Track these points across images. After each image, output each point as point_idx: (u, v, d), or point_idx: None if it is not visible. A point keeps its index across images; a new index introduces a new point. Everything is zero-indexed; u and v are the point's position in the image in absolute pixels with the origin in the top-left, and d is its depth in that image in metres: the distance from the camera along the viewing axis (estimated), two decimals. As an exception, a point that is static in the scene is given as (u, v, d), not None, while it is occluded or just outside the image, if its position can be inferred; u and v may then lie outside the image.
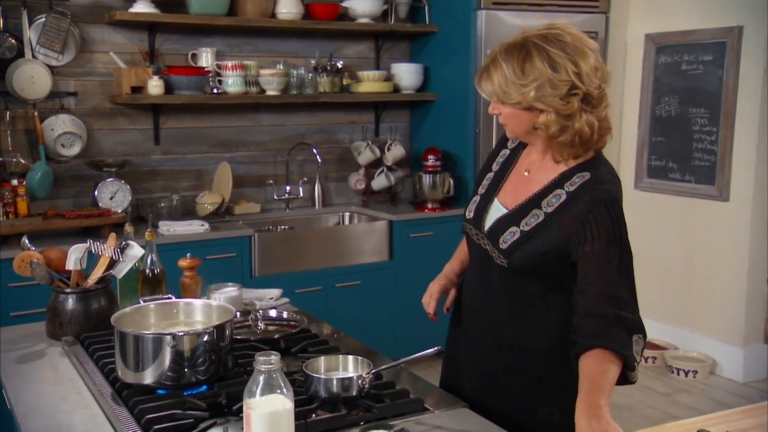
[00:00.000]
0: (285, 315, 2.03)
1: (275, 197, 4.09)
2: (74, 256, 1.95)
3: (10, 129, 3.37)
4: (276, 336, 1.87)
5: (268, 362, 1.22)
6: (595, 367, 1.35)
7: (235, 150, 4.00)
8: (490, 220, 1.61)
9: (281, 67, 3.87)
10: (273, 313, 2.04)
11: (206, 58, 3.74)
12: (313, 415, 1.44)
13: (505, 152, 1.70)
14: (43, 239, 3.03)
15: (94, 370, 1.68)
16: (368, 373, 1.52)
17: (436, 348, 1.58)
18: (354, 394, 1.49)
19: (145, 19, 3.52)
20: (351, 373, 1.56)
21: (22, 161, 3.38)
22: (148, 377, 1.52)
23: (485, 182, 1.69)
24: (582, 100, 1.48)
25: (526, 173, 1.61)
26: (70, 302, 1.92)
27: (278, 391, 1.23)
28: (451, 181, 4.03)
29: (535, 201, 1.55)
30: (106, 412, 1.49)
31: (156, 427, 1.36)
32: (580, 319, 1.43)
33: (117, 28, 3.61)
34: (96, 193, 3.48)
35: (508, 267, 1.54)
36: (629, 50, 4.39)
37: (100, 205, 3.47)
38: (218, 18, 3.63)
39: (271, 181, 4.08)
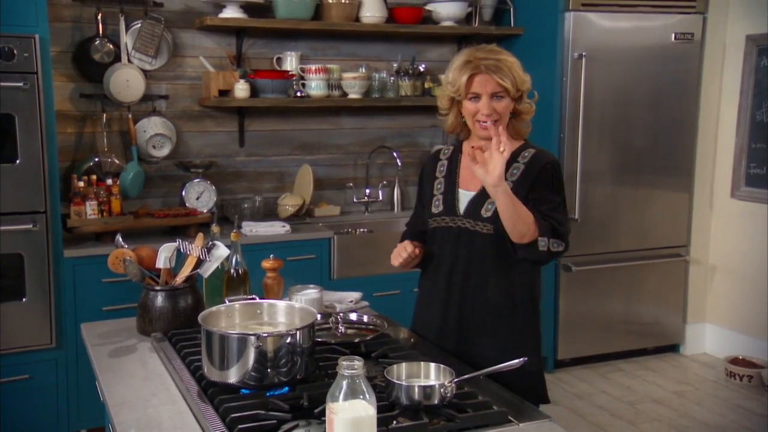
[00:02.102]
0: (365, 319, 2.03)
1: (355, 200, 4.11)
2: (164, 254, 2.01)
3: (107, 131, 3.52)
4: (356, 340, 1.87)
5: (351, 367, 1.22)
6: (528, 212, 1.81)
7: (317, 153, 4.04)
8: (463, 204, 1.94)
9: (364, 70, 3.89)
10: (353, 316, 2.04)
11: (291, 62, 3.80)
12: (395, 422, 1.42)
13: (443, 163, 2.04)
14: (133, 237, 3.15)
15: (181, 366, 1.73)
16: (450, 381, 1.49)
17: (521, 359, 1.53)
18: (436, 402, 1.46)
19: (234, 24, 3.61)
20: (433, 380, 1.54)
21: (117, 161, 3.53)
22: (233, 376, 1.54)
23: (438, 185, 2.01)
24: None
25: None
26: (160, 299, 1.98)
27: (361, 396, 1.23)
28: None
29: None
30: (193, 409, 1.52)
31: (240, 426, 1.38)
32: None
33: (207, 33, 3.73)
34: (183, 193, 3.59)
35: (495, 232, 1.86)
36: (728, 52, 4.17)
37: (186, 204, 3.58)
38: (303, 22, 3.68)
39: (351, 184, 4.11)
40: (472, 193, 1.94)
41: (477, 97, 1.86)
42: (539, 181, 1.88)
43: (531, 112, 1.95)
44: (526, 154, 1.93)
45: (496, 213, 1.85)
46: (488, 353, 1.85)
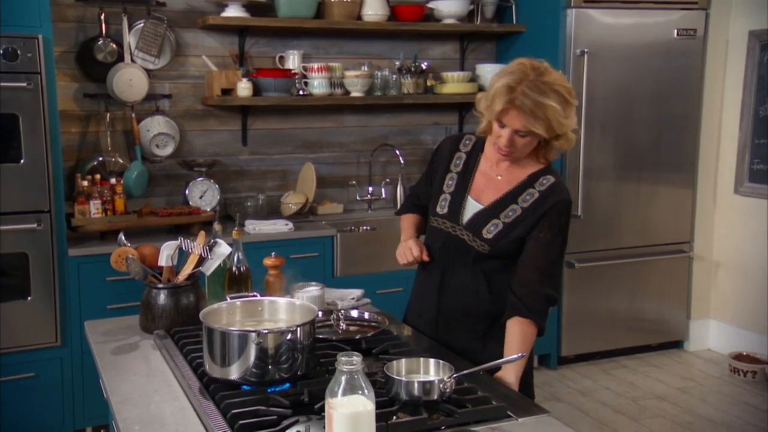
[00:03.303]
0: (366, 315, 2.04)
1: (358, 198, 4.12)
2: (166, 252, 2.03)
3: (110, 130, 3.54)
4: (357, 336, 1.88)
5: (350, 363, 1.23)
6: (524, 332, 1.80)
7: (319, 151, 4.06)
8: (467, 215, 1.90)
9: (366, 68, 3.89)
10: (354, 313, 2.05)
11: (293, 61, 3.81)
12: (394, 418, 1.43)
13: (461, 155, 1.97)
14: (137, 236, 3.16)
15: (183, 363, 1.74)
16: (450, 377, 1.50)
17: (520, 354, 1.54)
18: (435, 397, 1.47)
19: (237, 23, 3.62)
20: (432, 376, 1.55)
21: (120, 161, 3.55)
22: (234, 373, 1.55)
23: (449, 182, 1.96)
24: None
25: (498, 177, 1.91)
26: (162, 297, 1.99)
27: (360, 392, 1.23)
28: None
29: (510, 197, 1.88)
30: (195, 406, 1.53)
31: (241, 422, 1.39)
32: (518, 287, 1.82)
33: (209, 32, 3.74)
34: (187, 191, 3.61)
35: (489, 252, 1.87)
36: (731, 48, 4.16)
37: (190, 203, 3.59)
38: (306, 21, 3.69)
39: (354, 182, 4.12)
40: (480, 206, 1.90)
41: (504, 125, 1.80)
42: (547, 218, 1.84)
43: (568, 145, 1.84)
44: (544, 181, 1.87)
45: (496, 236, 1.86)
46: (478, 352, 1.86)
